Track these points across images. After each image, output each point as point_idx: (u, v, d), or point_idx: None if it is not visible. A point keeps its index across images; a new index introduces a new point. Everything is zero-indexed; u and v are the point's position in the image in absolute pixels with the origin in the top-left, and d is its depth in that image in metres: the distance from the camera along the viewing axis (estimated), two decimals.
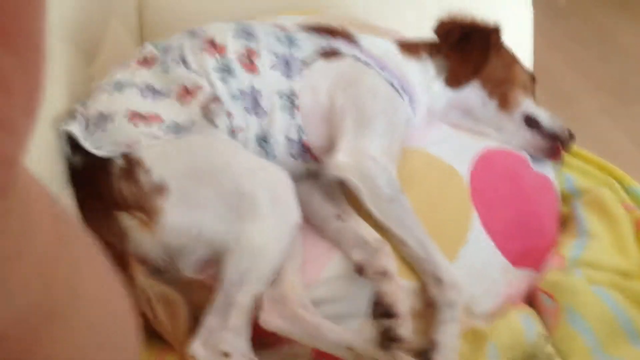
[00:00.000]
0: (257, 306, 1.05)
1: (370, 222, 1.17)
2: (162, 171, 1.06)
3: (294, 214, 1.08)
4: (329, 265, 1.14)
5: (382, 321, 0.98)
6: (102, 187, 1.07)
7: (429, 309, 1.12)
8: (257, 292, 1.03)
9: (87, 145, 1.07)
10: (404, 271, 1.14)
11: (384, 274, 1.04)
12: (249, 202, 1.04)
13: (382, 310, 0.98)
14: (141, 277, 1.04)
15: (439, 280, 1.11)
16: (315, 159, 1.24)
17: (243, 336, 1.01)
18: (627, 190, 1.46)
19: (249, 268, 1.02)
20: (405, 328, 0.97)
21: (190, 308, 1.08)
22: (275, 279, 1.08)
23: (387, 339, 0.96)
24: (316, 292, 1.12)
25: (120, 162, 1.07)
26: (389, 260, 1.08)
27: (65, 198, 1.04)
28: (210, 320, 1.01)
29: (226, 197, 1.05)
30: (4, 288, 0.32)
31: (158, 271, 1.07)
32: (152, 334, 1.07)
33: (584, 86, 3.07)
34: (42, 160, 0.98)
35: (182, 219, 1.04)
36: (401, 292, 1.02)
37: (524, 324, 1.12)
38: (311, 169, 1.26)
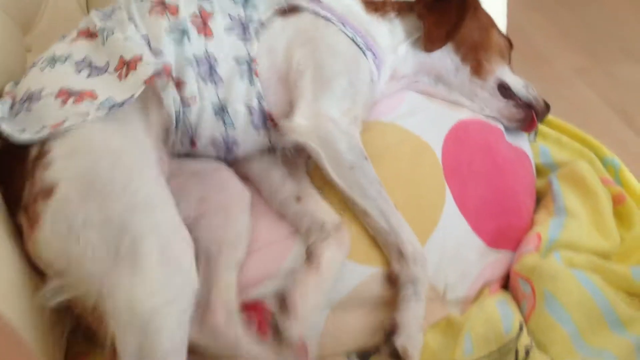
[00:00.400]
0: None
1: (335, 203, 1.08)
2: (58, 170, 0.88)
3: (190, 277, 0.85)
4: (290, 254, 1.05)
5: (275, 316, 0.91)
6: (15, 177, 0.92)
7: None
8: None
9: (6, 128, 0.91)
10: (372, 255, 1.05)
11: (313, 264, 0.98)
12: (133, 244, 0.82)
13: (280, 304, 0.92)
14: None
15: (401, 253, 1.02)
16: (277, 127, 1.13)
17: None
18: (604, 162, 1.39)
19: (143, 346, 0.80)
20: (294, 328, 0.89)
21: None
22: (207, 276, 0.98)
23: (277, 334, 0.89)
24: (278, 284, 1.02)
25: (34, 150, 0.91)
26: (335, 247, 1.00)
27: None
28: None
29: (108, 228, 0.83)
30: None
31: None
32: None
33: (558, 46, 2.99)
34: None
35: (54, 238, 0.85)
36: (314, 289, 0.94)
37: (500, 312, 1.05)
38: (274, 142, 1.15)
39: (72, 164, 0.88)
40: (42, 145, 0.91)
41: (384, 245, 1.05)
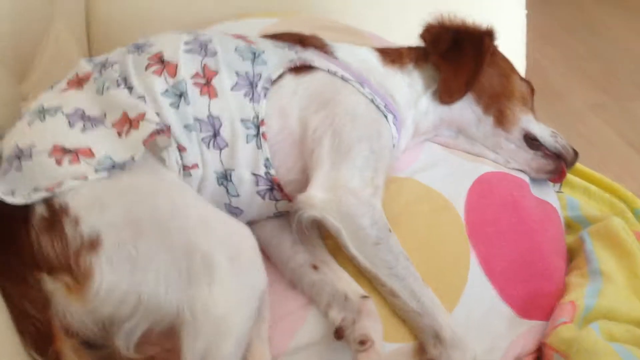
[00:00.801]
0: None
1: (353, 271, 1.00)
2: (95, 220, 0.86)
3: (260, 277, 0.89)
4: (302, 328, 0.96)
5: None
6: (19, 241, 0.86)
7: None
8: None
9: None
10: (397, 330, 0.97)
11: (363, 343, 0.87)
12: (204, 260, 0.85)
13: None
14: (71, 354, 0.84)
15: (438, 338, 0.94)
16: (285, 196, 1.06)
17: None
18: (635, 214, 1.31)
19: (211, 349, 0.82)
20: None
21: None
22: None
23: None
24: None
25: (41, 209, 0.87)
26: (372, 323, 0.91)
27: None
28: None
29: (175, 254, 0.85)
30: None
31: (92, 345, 0.88)
32: None
33: (574, 81, 2.93)
34: None
35: (118, 282, 0.84)
36: None
37: None
38: (281, 209, 1.08)
39: (107, 213, 0.87)
40: (50, 205, 0.86)
41: (416, 328, 0.97)
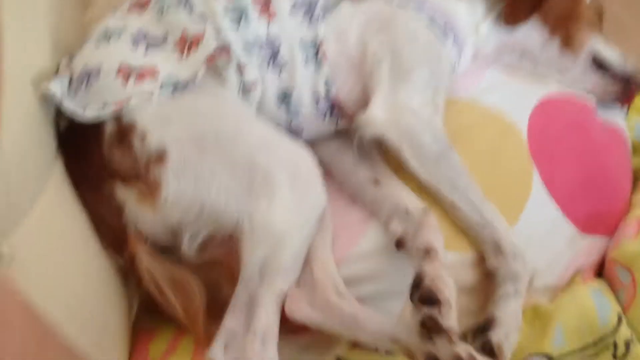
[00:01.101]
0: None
1: (413, 187, 1.01)
2: (161, 136, 0.90)
3: (319, 198, 0.93)
4: (363, 239, 0.99)
5: (423, 308, 0.82)
6: (93, 154, 0.92)
7: (485, 281, 0.96)
8: (282, 288, 0.88)
9: (69, 106, 0.91)
10: (457, 241, 0.98)
11: (427, 252, 0.89)
12: (265, 178, 0.89)
13: (422, 295, 0.83)
14: (145, 256, 0.90)
15: (499, 249, 0.94)
16: (346, 116, 1.07)
17: (271, 344, 0.86)
18: None
19: (268, 258, 0.87)
20: (450, 318, 0.81)
21: (206, 288, 0.95)
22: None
23: (428, 329, 0.81)
24: (349, 270, 0.97)
25: (110, 125, 0.92)
26: (434, 234, 0.92)
27: (56, 168, 0.90)
28: (232, 321, 0.87)
29: (236, 170, 0.89)
30: None
31: (164, 249, 0.93)
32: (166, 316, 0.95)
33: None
34: (27, 126, 0.84)
35: (184, 192, 0.89)
36: (446, 274, 0.86)
37: (596, 302, 0.96)
38: (342, 127, 1.10)
39: (172, 130, 0.91)
40: (119, 121, 0.91)
41: (477, 239, 0.98)
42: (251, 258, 0.87)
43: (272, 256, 0.87)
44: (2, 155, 0.74)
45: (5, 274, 0.71)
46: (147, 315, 1.03)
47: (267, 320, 0.86)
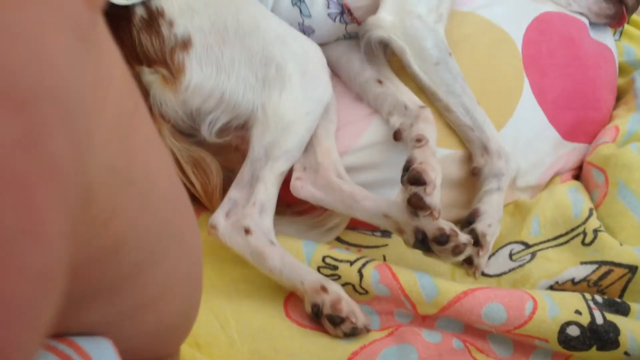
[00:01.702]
0: (288, 175, 1.02)
1: (413, 89, 1.10)
2: (187, 24, 0.99)
3: (325, 92, 1.02)
4: (367, 131, 1.08)
5: (410, 187, 0.92)
6: (122, 38, 1.00)
7: (472, 178, 1.07)
8: (283, 168, 0.99)
9: None
10: (448, 139, 1.08)
11: (419, 140, 0.98)
12: (278, 70, 0.98)
13: (410, 176, 0.92)
14: (168, 135, 1.00)
15: (485, 149, 1.05)
16: (355, 20, 1.15)
17: (267, 214, 0.97)
18: None
19: (274, 142, 0.97)
20: (433, 196, 0.90)
21: (224, 171, 1.05)
22: (309, 146, 1.03)
23: (413, 206, 0.91)
24: (353, 159, 1.07)
25: (140, 11, 1.00)
26: (428, 127, 1.01)
27: None
28: (235, 193, 0.98)
29: (253, 62, 0.98)
30: (85, 141, 0.29)
31: (185, 133, 1.03)
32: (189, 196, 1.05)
33: None
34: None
35: (205, 79, 0.98)
36: (434, 159, 0.95)
37: (571, 198, 1.07)
38: (350, 31, 1.18)
39: (196, 20, 0.99)
40: (148, 7, 0.99)
41: (466, 140, 1.07)
42: (260, 141, 0.97)
43: (278, 140, 0.97)
44: None
45: None
46: None
47: (267, 194, 0.97)
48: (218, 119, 1.01)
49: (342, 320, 0.89)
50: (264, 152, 0.98)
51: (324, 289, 0.91)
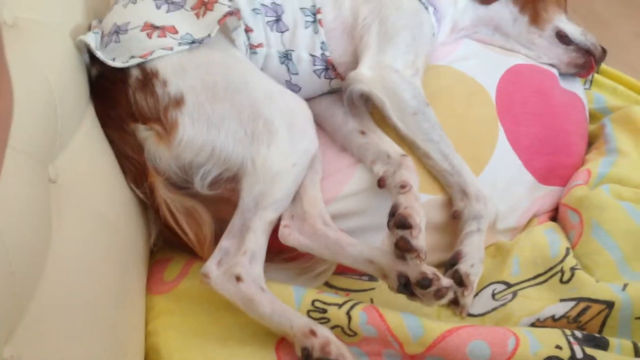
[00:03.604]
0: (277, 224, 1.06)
1: (394, 139, 1.16)
2: (179, 83, 1.04)
3: (311, 144, 1.08)
4: (352, 180, 1.13)
5: (397, 231, 0.96)
6: (119, 98, 1.06)
7: (454, 222, 1.12)
8: (272, 217, 1.03)
9: (100, 55, 1.05)
10: (429, 185, 1.13)
11: (403, 187, 1.03)
12: (265, 125, 1.04)
13: (397, 221, 0.97)
14: (162, 188, 1.04)
15: (464, 193, 1.10)
16: (338, 76, 1.22)
17: (258, 262, 1.01)
18: None
19: (263, 192, 1.02)
20: (419, 239, 0.95)
21: (216, 222, 1.09)
22: (296, 196, 1.08)
23: (401, 249, 0.95)
24: (339, 206, 1.12)
25: (136, 72, 1.06)
26: (410, 174, 1.06)
27: (89, 110, 1.05)
28: (226, 243, 1.02)
29: (242, 118, 1.04)
30: None
31: (179, 186, 1.08)
32: (181, 246, 1.10)
33: (618, 10, 2.95)
34: (66, 69, 0.98)
35: (197, 134, 1.03)
36: (418, 204, 1.00)
37: (548, 239, 1.12)
38: (334, 86, 1.24)
39: (189, 79, 1.05)
40: (143, 69, 1.05)
41: (446, 185, 1.13)
42: (250, 192, 1.02)
43: (267, 191, 1.02)
44: (52, 89, 0.88)
45: None
46: (163, 247, 1.16)
47: (257, 242, 1.01)
48: (209, 171, 1.05)
49: None
50: (253, 203, 1.02)
51: (312, 332, 0.94)
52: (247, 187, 1.03)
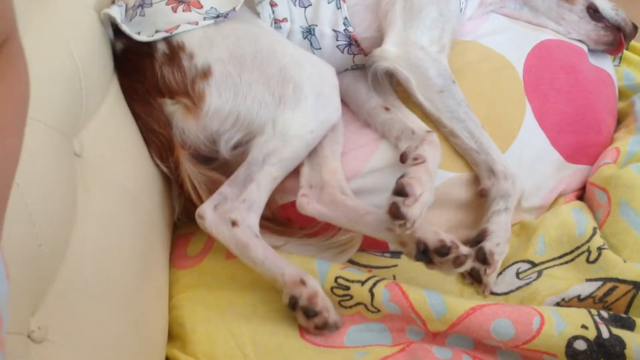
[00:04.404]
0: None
1: (419, 116, 1.15)
2: (206, 56, 1.04)
3: (335, 113, 1.08)
4: (375, 156, 1.13)
5: (392, 197, 0.95)
6: (145, 72, 1.06)
7: (479, 199, 1.10)
8: (277, 175, 1.03)
9: (125, 29, 1.05)
10: (455, 162, 1.12)
11: (416, 159, 1.02)
12: (295, 90, 1.04)
13: (396, 187, 0.96)
14: (187, 163, 1.05)
15: (492, 172, 1.08)
16: (362, 51, 1.20)
17: (255, 212, 1.01)
18: None
19: (274, 150, 1.02)
20: (412, 208, 0.93)
21: None
22: (315, 165, 1.08)
23: (391, 215, 0.94)
24: (361, 182, 1.11)
25: (162, 46, 1.06)
26: (431, 149, 1.05)
27: (113, 84, 1.05)
28: (226, 189, 1.03)
29: (270, 82, 1.04)
30: None
31: (203, 159, 1.08)
32: None
33: None
34: (90, 43, 0.98)
35: (225, 104, 1.04)
36: (427, 177, 0.98)
37: (575, 218, 1.10)
38: (358, 62, 1.23)
39: (215, 51, 1.05)
40: (169, 43, 1.05)
41: (472, 163, 1.11)
42: (261, 148, 1.03)
43: (278, 149, 1.03)
44: (76, 62, 0.88)
45: None
46: (186, 223, 1.16)
47: (258, 194, 1.02)
48: (233, 136, 1.06)
49: (316, 313, 0.94)
50: (262, 157, 1.03)
51: (303, 282, 0.96)
52: (260, 143, 1.04)
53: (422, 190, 0.95)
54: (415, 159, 1.02)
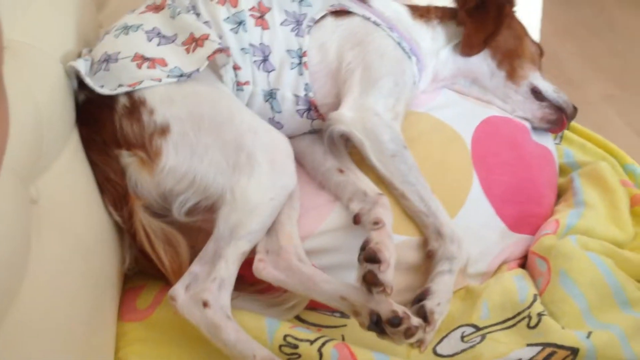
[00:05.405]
0: (251, 256, 1.07)
1: (372, 179, 1.19)
2: (166, 113, 1.07)
3: (290, 180, 1.10)
4: (329, 217, 1.16)
5: (366, 265, 0.98)
6: (105, 123, 1.07)
7: (427, 263, 1.14)
8: (245, 248, 1.04)
9: (89, 81, 1.08)
10: (405, 226, 1.16)
11: (377, 223, 1.05)
12: (249, 158, 1.06)
13: (366, 255, 0.99)
14: (141, 213, 1.05)
15: (439, 234, 1.12)
16: (320, 117, 1.25)
17: (226, 289, 1.02)
18: (625, 168, 1.48)
19: (240, 223, 1.03)
20: (386, 274, 0.97)
21: (192, 252, 1.10)
22: (272, 230, 1.09)
23: (368, 283, 0.97)
24: (315, 243, 1.14)
25: (123, 100, 1.08)
26: (385, 212, 1.09)
27: (74, 133, 1.06)
28: (197, 268, 1.03)
29: (226, 148, 1.06)
30: None
31: (157, 213, 1.09)
32: (154, 273, 1.10)
33: (589, 74, 3.08)
34: (54, 93, 1.00)
35: (180, 163, 1.05)
36: (390, 241, 1.02)
37: (517, 284, 1.14)
38: (316, 127, 1.28)
39: (175, 108, 1.07)
40: (131, 97, 1.07)
41: (422, 225, 1.15)
42: (226, 221, 1.04)
43: (243, 221, 1.04)
44: (39, 111, 0.89)
45: None
46: (136, 274, 1.16)
47: (227, 271, 1.02)
48: (188, 199, 1.07)
49: None
50: (228, 232, 1.04)
51: None
52: (224, 215, 1.04)
53: (390, 255, 0.99)
54: (376, 222, 1.05)
